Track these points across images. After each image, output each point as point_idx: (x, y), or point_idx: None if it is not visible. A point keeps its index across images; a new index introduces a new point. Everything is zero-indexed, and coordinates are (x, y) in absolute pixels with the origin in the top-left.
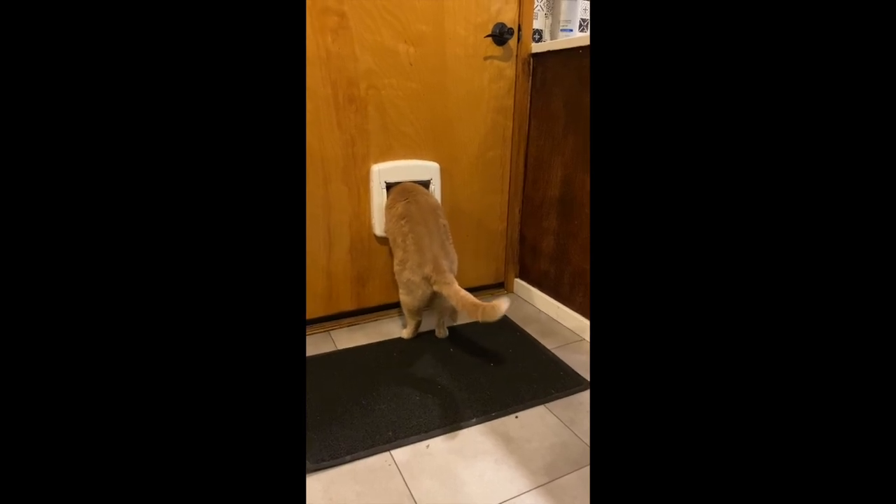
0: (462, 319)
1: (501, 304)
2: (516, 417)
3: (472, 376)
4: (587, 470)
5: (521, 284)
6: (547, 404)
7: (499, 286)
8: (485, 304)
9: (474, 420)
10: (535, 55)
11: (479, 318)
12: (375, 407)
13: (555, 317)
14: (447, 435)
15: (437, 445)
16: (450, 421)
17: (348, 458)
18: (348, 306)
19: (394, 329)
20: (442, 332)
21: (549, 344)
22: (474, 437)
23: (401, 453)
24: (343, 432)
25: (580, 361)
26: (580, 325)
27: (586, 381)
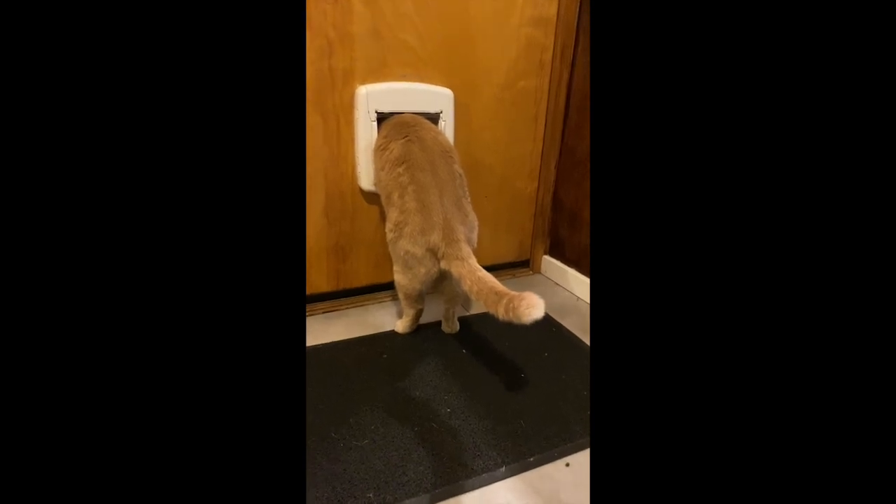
0: (478, 307)
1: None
2: (567, 465)
3: (495, 393)
4: None
5: (551, 263)
6: None
7: (523, 265)
8: (515, 294)
9: (503, 469)
10: None
11: (501, 315)
12: (352, 444)
13: None
14: (461, 496)
15: None
16: (465, 472)
17: None
18: (323, 287)
19: (385, 319)
20: (450, 327)
21: None
22: (504, 500)
23: None
24: None
25: None
26: None
27: None
